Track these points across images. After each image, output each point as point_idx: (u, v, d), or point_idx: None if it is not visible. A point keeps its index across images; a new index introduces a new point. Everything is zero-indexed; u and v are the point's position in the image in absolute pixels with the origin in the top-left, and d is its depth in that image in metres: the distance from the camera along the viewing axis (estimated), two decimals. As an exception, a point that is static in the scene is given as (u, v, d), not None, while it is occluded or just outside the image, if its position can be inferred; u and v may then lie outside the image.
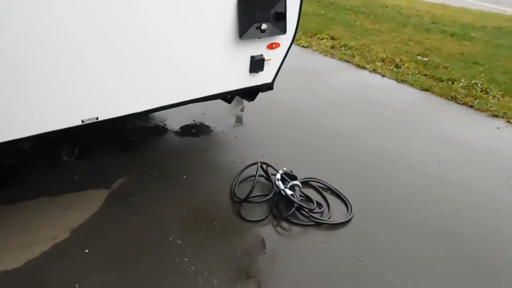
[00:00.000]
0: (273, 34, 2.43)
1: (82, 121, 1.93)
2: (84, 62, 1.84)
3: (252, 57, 2.46)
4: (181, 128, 3.51)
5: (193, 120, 3.65)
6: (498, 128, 4.20)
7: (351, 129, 3.81)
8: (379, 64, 5.73)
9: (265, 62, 2.54)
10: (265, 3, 2.29)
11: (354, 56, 6.00)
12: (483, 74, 5.58)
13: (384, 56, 6.04)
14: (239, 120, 3.77)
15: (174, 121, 3.61)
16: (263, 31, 2.33)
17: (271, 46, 2.51)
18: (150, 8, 1.97)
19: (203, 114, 3.76)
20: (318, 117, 3.98)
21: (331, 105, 4.32)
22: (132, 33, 1.95)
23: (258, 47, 2.45)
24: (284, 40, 2.56)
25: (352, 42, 6.60)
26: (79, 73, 1.84)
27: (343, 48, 6.37)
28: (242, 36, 2.27)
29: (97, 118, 1.97)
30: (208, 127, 3.59)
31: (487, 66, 6.00)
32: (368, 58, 5.97)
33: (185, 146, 3.28)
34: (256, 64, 2.48)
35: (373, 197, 2.85)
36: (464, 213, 2.79)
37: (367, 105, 4.42)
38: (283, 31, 2.46)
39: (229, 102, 3.20)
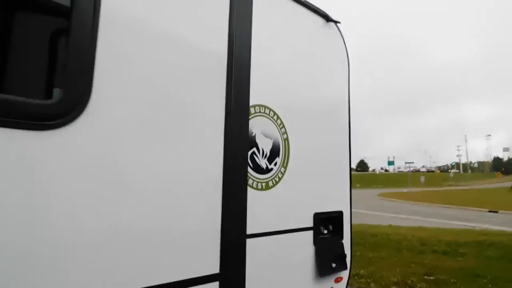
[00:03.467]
0: (339, 270, 3.11)
1: None
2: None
3: (324, 292, 3.05)
4: None
5: None
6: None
7: None
8: None
9: (334, 295, 3.11)
10: (332, 247, 3.07)
11: (369, 283, 6.53)
12: (490, 285, 6.12)
13: (395, 279, 6.62)
14: None
15: None
16: (334, 269, 3.03)
17: (337, 280, 3.13)
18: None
19: None
20: None
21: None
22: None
23: (328, 282, 3.08)
24: (345, 274, 3.23)
25: (362, 271, 7.25)
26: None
27: (355, 277, 6.96)
28: (321, 275, 2.93)
29: None
30: None
31: (489, 277, 6.61)
32: (383, 283, 6.51)
33: None
34: (328, 298, 3.05)
35: None
36: None
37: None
38: (346, 267, 3.16)
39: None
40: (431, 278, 6.74)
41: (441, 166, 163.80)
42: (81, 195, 1.17)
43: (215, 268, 1.66)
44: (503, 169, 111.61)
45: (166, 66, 1.48)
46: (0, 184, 1.04)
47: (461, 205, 29.14)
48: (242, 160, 1.87)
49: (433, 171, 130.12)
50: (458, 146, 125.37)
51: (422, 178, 70.74)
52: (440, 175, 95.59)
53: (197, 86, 1.59)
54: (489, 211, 24.74)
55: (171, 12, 1.51)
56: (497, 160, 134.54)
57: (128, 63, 1.33)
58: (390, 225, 13.98)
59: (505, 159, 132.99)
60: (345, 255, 3.12)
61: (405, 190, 47.41)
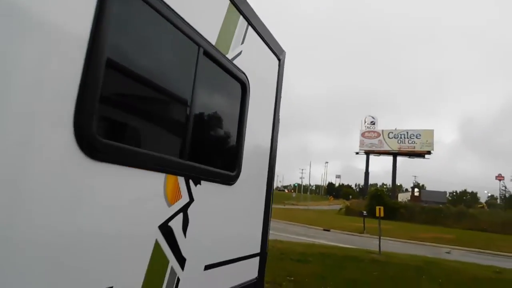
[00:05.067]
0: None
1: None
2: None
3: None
4: None
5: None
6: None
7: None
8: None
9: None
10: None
11: None
12: (331, 282, 8.56)
13: (267, 279, 8.52)
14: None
15: None
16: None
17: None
18: None
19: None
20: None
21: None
22: None
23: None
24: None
25: None
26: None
27: None
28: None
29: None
30: None
31: (329, 277, 9.13)
32: (258, 282, 8.34)
33: None
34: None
35: None
36: None
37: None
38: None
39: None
40: (292, 278, 8.90)
41: (287, 186, 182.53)
42: (241, 208, 2.87)
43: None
44: (334, 193, 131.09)
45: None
46: (211, 207, 2.40)
47: (302, 223, 34.10)
48: (270, 188, 3.43)
49: (283, 191, 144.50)
50: (302, 170, 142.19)
51: (271, 196, 78.06)
52: (285, 195, 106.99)
53: (263, 161, 3.30)
54: (324, 230, 29.86)
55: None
56: (330, 185, 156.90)
57: (248, 153, 2.84)
58: (252, 238, 16.25)
59: (337, 185, 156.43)
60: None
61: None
